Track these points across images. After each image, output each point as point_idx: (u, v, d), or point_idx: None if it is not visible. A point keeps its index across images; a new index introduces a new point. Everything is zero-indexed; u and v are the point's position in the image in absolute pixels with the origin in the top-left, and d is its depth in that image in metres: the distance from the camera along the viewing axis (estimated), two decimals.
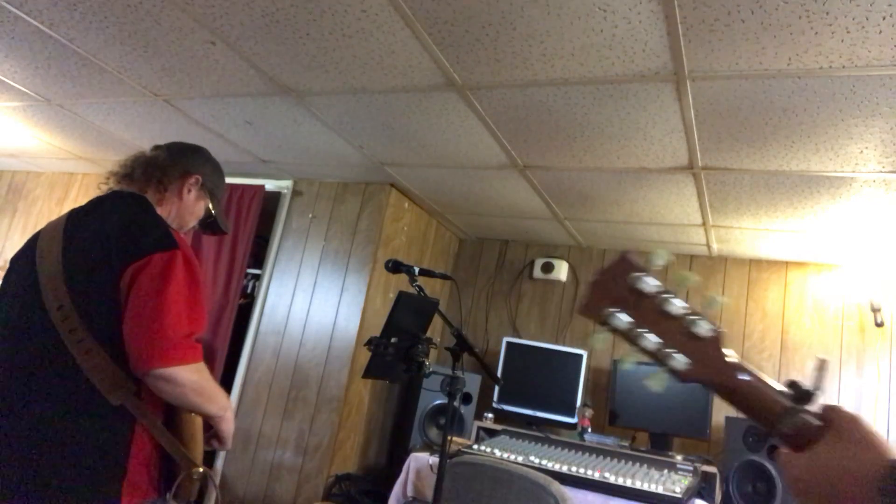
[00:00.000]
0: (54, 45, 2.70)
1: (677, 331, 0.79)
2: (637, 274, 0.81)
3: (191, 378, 1.40)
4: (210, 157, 1.89)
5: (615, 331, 0.79)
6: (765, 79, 2.07)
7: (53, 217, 1.70)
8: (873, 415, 3.41)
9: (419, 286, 2.23)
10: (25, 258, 1.56)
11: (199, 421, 1.50)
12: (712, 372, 0.77)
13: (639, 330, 0.79)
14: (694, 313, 0.79)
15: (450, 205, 4.04)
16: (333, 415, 3.53)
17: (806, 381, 0.74)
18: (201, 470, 1.45)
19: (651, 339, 0.78)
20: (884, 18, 1.71)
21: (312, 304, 3.79)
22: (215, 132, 3.42)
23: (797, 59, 1.93)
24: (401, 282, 3.41)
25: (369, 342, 2.12)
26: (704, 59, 2.01)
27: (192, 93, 2.98)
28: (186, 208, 1.77)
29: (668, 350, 0.78)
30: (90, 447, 1.38)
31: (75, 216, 1.59)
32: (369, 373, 2.19)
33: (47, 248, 1.52)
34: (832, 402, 3.48)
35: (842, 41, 1.82)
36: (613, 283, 0.81)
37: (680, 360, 0.78)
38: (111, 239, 1.47)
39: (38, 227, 5.32)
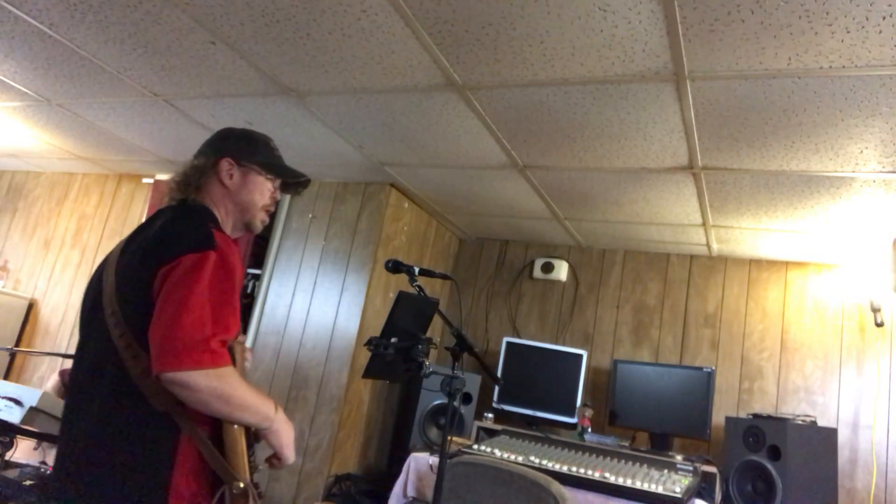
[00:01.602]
0: (54, 45, 2.70)
1: None
2: None
3: (209, 384, 1.32)
4: (234, 131, 1.77)
5: None
6: (765, 79, 2.07)
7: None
8: (873, 415, 3.41)
9: (419, 286, 2.22)
10: (96, 273, 1.58)
11: (241, 432, 1.42)
12: None
13: None
14: None
15: (450, 205, 4.04)
16: (333, 415, 3.53)
17: None
18: (242, 485, 1.38)
19: None
20: (884, 18, 1.71)
21: (312, 304, 3.79)
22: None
23: (797, 59, 1.93)
24: (401, 282, 3.41)
25: (369, 342, 2.11)
26: (704, 59, 2.01)
27: (192, 93, 2.98)
28: (240, 191, 1.66)
29: None
30: (135, 454, 1.37)
31: (135, 230, 1.61)
32: (369, 373, 2.19)
33: (111, 260, 1.54)
34: (832, 402, 3.49)
35: (842, 41, 1.82)
36: None
37: None
38: (150, 244, 1.47)
39: (38, 227, 5.31)
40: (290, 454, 1.53)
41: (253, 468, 1.47)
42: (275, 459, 1.54)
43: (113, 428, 1.39)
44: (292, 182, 1.79)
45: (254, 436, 1.50)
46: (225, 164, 1.66)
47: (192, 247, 1.41)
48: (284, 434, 1.51)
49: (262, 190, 1.70)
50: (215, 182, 1.65)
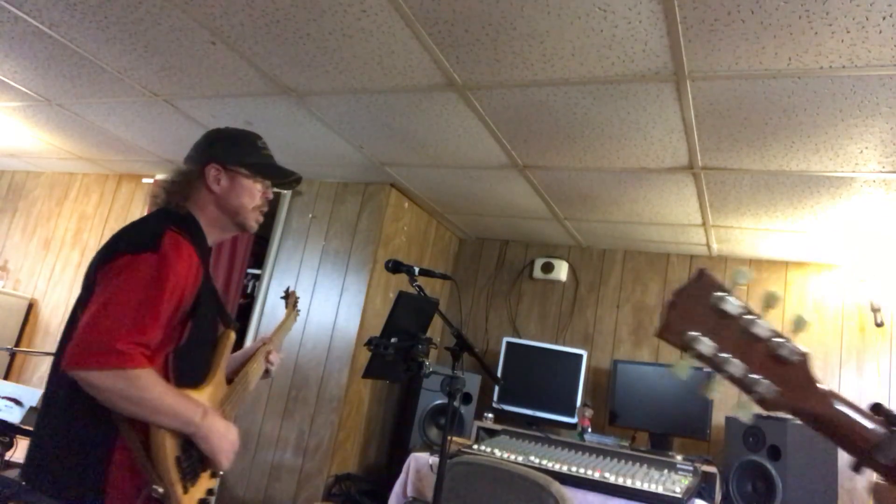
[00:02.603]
0: (54, 45, 2.70)
1: (763, 355, 0.73)
2: (719, 294, 0.73)
3: (112, 384, 1.32)
4: (221, 133, 1.75)
5: (699, 356, 0.73)
6: (765, 79, 2.07)
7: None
8: None
9: (419, 286, 2.22)
10: None
11: (167, 436, 1.41)
12: (802, 400, 0.73)
13: (723, 355, 0.72)
14: (779, 335, 0.73)
15: (450, 205, 4.04)
16: (333, 415, 3.53)
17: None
18: (161, 489, 1.38)
19: (737, 365, 0.72)
20: (884, 18, 1.71)
21: (312, 305, 3.79)
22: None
23: (797, 59, 1.93)
24: (401, 282, 3.41)
25: (369, 342, 2.11)
26: (704, 59, 2.01)
27: (192, 93, 2.98)
28: (228, 196, 1.65)
29: (754, 376, 0.72)
30: (76, 449, 1.41)
31: None
32: (369, 373, 2.19)
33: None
34: None
35: (842, 41, 1.82)
36: (694, 304, 0.73)
37: (768, 388, 0.72)
38: (106, 242, 1.51)
39: (38, 227, 5.31)
40: (222, 461, 1.51)
41: (189, 472, 1.46)
42: (210, 462, 1.53)
43: (64, 423, 1.43)
44: (283, 181, 1.78)
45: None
46: (212, 171, 1.65)
47: (130, 248, 1.44)
48: (215, 441, 1.48)
49: (252, 192, 1.69)
50: (203, 188, 1.65)
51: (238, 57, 2.54)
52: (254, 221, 1.72)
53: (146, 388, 1.36)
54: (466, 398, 3.76)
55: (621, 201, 3.39)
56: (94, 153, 4.32)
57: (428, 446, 3.52)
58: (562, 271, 4.31)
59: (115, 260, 1.43)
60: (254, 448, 3.65)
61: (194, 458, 1.49)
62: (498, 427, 3.56)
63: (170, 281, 1.42)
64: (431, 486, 2.64)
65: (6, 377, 4.41)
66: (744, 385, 0.72)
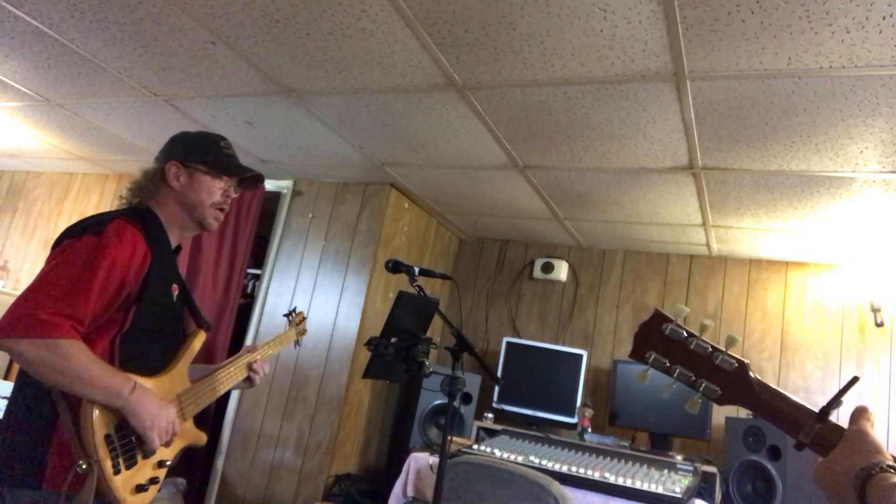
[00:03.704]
0: (54, 45, 2.70)
1: (706, 366, 1.01)
2: (667, 325, 1.04)
3: (37, 353, 1.35)
4: (186, 135, 1.82)
5: (657, 367, 1.04)
6: (765, 79, 2.07)
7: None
8: (874, 415, 3.41)
9: (419, 286, 2.22)
10: None
11: (94, 410, 1.42)
12: (740, 397, 0.99)
13: (674, 366, 1.02)
14: (717, 350, 1.01)
15: (450, 205, 4.04)
16: (333, 415, 3.53)
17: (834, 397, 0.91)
18: (83, 464, 1.39)
19: (683, 373, 1.02)
20: (884, 18, 1.71)
21: (312, 304, 3.79)
22: (215, 132, 3.42)
23: (797, 59, 1.93)
24: (401, 282, 3.41)
25: (369, 342, 2.11)
26: (704, 59, 2.01)
27: (192, 93, 2.98)
28: (187, 192, 1.71)
29: (700, 380, 1.01)
30: (21, 427, 1.46)
31: None
32: (369, 373, 2.19)
33: None
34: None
35: (842, 41, 1.82)
36: (650, 333, 1.05)
37: (712, 389, 1.01)
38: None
39: (38, 227, 5.30)
40: (152, 438, 1.51)
41: (120, 452, 1.46)
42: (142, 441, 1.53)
43: (15, 405, 1.49)
44: (245, 178, 1.83)
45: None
46: (172, 168, 1.72)
47: (74, 233, 1.51)
48: (146, 416, 1.48)
49: (210, 189, 1.74)
50: (164, 185, 1.72)
51: (238, 57, 2.54)
52: (212, 219, 1.76)
53: (71, 357, 1.38)
54: (466, 398, 3.77)
55: (621, 201, 3.39)
56: (94, 153, 4.32)
57: (428, 446, 3.52)
58: (562, 271, 4.31)
59: (59, 245, 1.51)
60: (254, 448, 3.65)
61: (130, 439, 1.49)
62: (498, 427, 3.56)
63: (105, 260, 1.46)
64: (431, 486, 2.64)
65: (6, 377, 4.41)
66: (693, 386, 1.02)
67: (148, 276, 1.55)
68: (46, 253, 1.58)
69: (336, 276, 3.78)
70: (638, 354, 1.05)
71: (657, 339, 1.04)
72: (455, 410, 3.60)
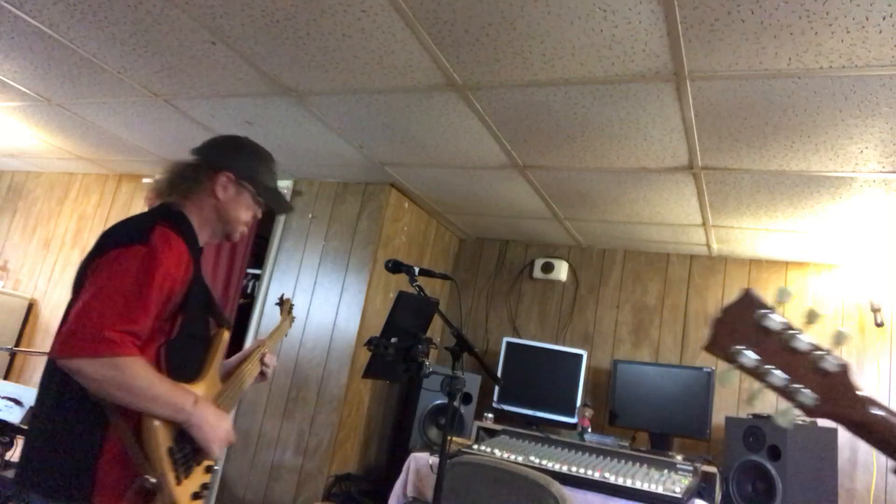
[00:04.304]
0: (54, 45, 2.70)
1: (804, 366, 0.80)
2: (763, 311, 0.82)
3: (102, 372, 1.33)
4: (243, 145, 1.79)
5: (742, 368, 0.81)
6: (765, 79, 2.07)
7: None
8: None
9: (419, 286, 2.22)
10: None
11: (160, 426, 1.42)
12: (842, 407, 0.79)
13: (766, 367, 0.80)
14: (820, 349, 0.81)
15: (450, 205, 4.04)
16: (333, 415, 3.53)
17: None
18: (153, 479, 1.38)
19: (778, 376, 0.80)
20: (884, 18, 1.71)
21: (312, 304, 3.79)
22: (215, 132, 3.42)
23: (797, 59, 1.93)
24: (401, 282, 3.41)
25: (369, 342, 2.11)
26: (704, 59, 2.01)
27: (192, 93, 2.98)
28: (227, 206, 1.70)
29: (795, 386, 0.79)
30: (66, 441, 1.42)
31: None
32: (369, 373, 2.19)
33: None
34: None
35: (842, 41, 1.82)
36: (738, 321, 0.82)
37: (808, 396, 0.79)
38: (98, 240, 1.53)
39: (38, 227, 5.30)
40: (214, 449, 1.52)
41: (181, 464, 1.46)
42: (203, 451, 1.54)
43: (54, 417, 1.44)
44: (279, 211, 1.86)
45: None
46: (223, 178, 1.69)
47: (121, 241, 1.46)
48: (208, 429, 1.49)
49: (250, 209, 1.75)
50: (207, 191, 1.68)
51: (238, 57, 2.54)
52: (238, 234, 1.78)
53: (136, 376, 1.37)
54: (466, 398, 3.76)
55: (621, 201, 3.39)
56: (94, 153, 4.32)
57: (428, 446, 3.52)
58: (562, 271, 4.30)
59: (105, 254, 1.46)
60: (254, 448, 3.65)
61: (187, 450, 1.49)
62: (498, 427, 3.56)
63: (159, 272, 1.44)
64: (431, 486, 2.64)
65: (6, 377, 4.41)
66: (785, 393, 0.79)
67: (191, 285, 1.54)
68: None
69: (336, 276, 3.78)
70: (720, 349, 0.82)
71: (748, 329, 0.81)
72: (455, 410, 3.60)
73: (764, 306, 0.82)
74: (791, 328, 0.81)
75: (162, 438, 1.42)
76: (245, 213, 1.74)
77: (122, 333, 1.36)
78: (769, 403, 3.58)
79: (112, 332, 1.34)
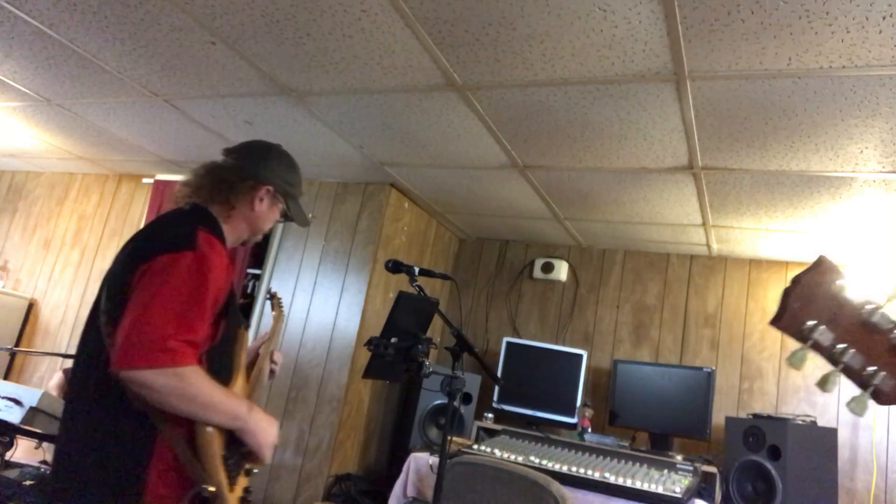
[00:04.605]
0: (54, 45, 2.70)
1: (882, 346, 0.70)
2: (842, 281, 0.69)
3: (165, 383, 1.31)
4: (281, 156, 1.80)
5: (816, 347, 0.69)
6: (765, 79, 2.07)
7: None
8: (873, 415, 3.41)
9: (419, 286, 2.22)
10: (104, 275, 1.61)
11: (215, 434, 1.41)
12: None
13: (841, 346, 0.69)
14: None
15: (450, 205, 4.04)
16: (333, 415, 3.53)
17: None
18: (212, 488, 1.36)
19: (855, 357, 0.69)
20: (884, 18, 1.71)
21: (312, 304, 3.79)
22: (215, 132, 3.42)
23: (797, 59, 1.93)
24: (401, 282, 3.41)
25: (369, 342, 2.11)
26: (704, 59, 2.01)
27: (192, 93, 2.98)
28: (259, 217, 1.72)
29: (871, 369, 0.69)
30: (112, 453, 1.38)
31: (136, 232, 1.63)
32: (369, 373, 2.19)
33: (113, 261, 1.56)
34: (832, 402, 3.48)
35: (842, 41, 1.82)
36: (813, 292, 0.69)
37: (884, 381, 0.69)
38: (136, 244, 1.50)
39: (38, 227, 5.30)
40: (266, 455, 1.53)
41: (232, 470, 1.46)
42: (253, 456, 1.54)
43: (94, 427, 1.40)
44: (299, 225, 1.91)
45: (240, 440, 1.48)
46: (263, 191, 1.71)
47: (169, 246, 1.43)
48: (261, 434, 1.50)
49: (274, 221, 1.79)
50: (245, 200, 1.69)
51: (238, 57, 2.54)
52: (254, 240, 1.81)
53: (198, 385, 1.36)
54: (466, 398, 3.76)
55: (621, 201, 3.39)
56: (94, 153, 4.32)
57: (428, 446, 3.52)
58: (562, 271, 4.30)
59: (152, 259, 1.41)
60: None
61: (236, 456, 1.49)
62: (498, 427, 3.56)
63: (210, 279, 1.43)
64: (431, 486, 2.64)
65: (6, 377, 4.41)
66: (861, 378, 0.70)
67: (231, 289, 1.54)
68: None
69: (336, 276, 3.78)
70: (793, 325, 0.70)
71: (824, 301, 0.68)
72: (455, 410, 3.60)
73: (842, 276, 0.70)
74: (871, 301, 0.70)
75: (217, 447, 1.41)
76: (269, 225, 1.77)
77: (183, 343, 1.35)
78: (769, 404, 3.60)
79: (174, 342, 1.33)
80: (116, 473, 1.37)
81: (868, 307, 0.69)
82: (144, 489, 1.36)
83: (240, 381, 1.61)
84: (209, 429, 1.40)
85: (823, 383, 0.72)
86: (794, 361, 0.70)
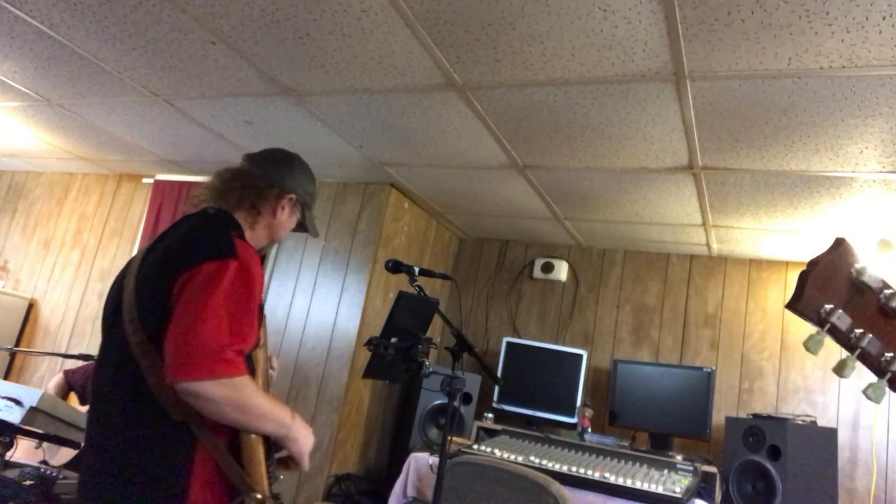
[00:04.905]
0: (54, 45, 2.70)
1: None
2: (860, 265, 0.67)
3: (222, 393, 1.30)
4: (303, 167, 1.82)
5: (833, 332, 0.68)
6: (765, 79, 2.07)
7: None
8: (873, 415, 3.41)
9: (419, 286, 2.22)
10: (117, 279, 1.57)
11: (259, 442, 1.41)
12: None
13: (857, 331, 0.67)
14: None
15: (450, 205, 4.04)
16: (333, 415, 3.53)
17: None
18: (259, 496, 1.36)
19: (873, 343, 0.67)
20: (884, 18, 1.71)
21: (312, 304, 3.79)
22: (215, 132, 3.42)
23: (797, 59, 1.93)
24: (401, 282, 3.41)
25: (369, 342, 2.11)
26: (704, 59, 2.01)
27: (192, 93, 2.98)
28: (279, 225, 1.73)
29: (889, 355, 0.67)
30: (152, 464, 1.36)
31: (159, 236, 1.60)
32: (369, 373, 2.19)
33: (133, 267, 1.52)
34: (832, 402, 3.48)
35: (842, 41, 1.82)
36: (831, 275, 0.67)
37: None
38: (172, 250, 1.47)
39: (38, 227, 5.29)
40: (306, 460, 1.54)
41: (272, 478, 1.46)
42: (291, 462, 1.54)
43: (131, 438, 1.38)
44: (304, 229, 1.92)
45: (273, 445, 1.48)
46: (287, 199, 1.72)
47: (213, 254, 1.41)
48: (303, 441, 1.51)
49: (289, 230, 1.80)
50: (269, 207, 1.70)
51: (238, 57, 2.54)
52: (268, 251, 1.84)
53: (251, 395, 1.36)
54: (466, 398, 3.76)
55: (621, 201, 3.39)
56: (94, 153, 4.32)
57: (428, 446, 3.52)
58: (562, 271, 4.30)
59: (196, 267, 1.39)
60: None
61: (273, 463, 1.50)
62: (498, 427, 3.56)
63: (255, 287, 1.43)
64: (431, 486, 2.64)
65: (6, 377, 4.41)
66: (878, 364, 0.68)
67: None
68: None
69: (336, 276, 3.78)
70: (810, 309, 0.68)
71: (841, 285, 0.67)
72: (455, 410, 3.60)
73: (859, 259, 0.68)
74: (888, 286, 0.68)
75: (261, 455, 1.41)
76: (285, 234, 1.78)
77: (238, 354, 1.34)
78: (769, 404, 3.60)
79: (230, 352, 1.32)
80: (159, 483, 1.35)
81: (887, 292, 0.68)
82: (187, 498, 1.34)
83: (261, 386, 1.60)
84: (253, 436, 1.40)
85: (840, 368, 0.70)
86: (811, 346, 0.69)
